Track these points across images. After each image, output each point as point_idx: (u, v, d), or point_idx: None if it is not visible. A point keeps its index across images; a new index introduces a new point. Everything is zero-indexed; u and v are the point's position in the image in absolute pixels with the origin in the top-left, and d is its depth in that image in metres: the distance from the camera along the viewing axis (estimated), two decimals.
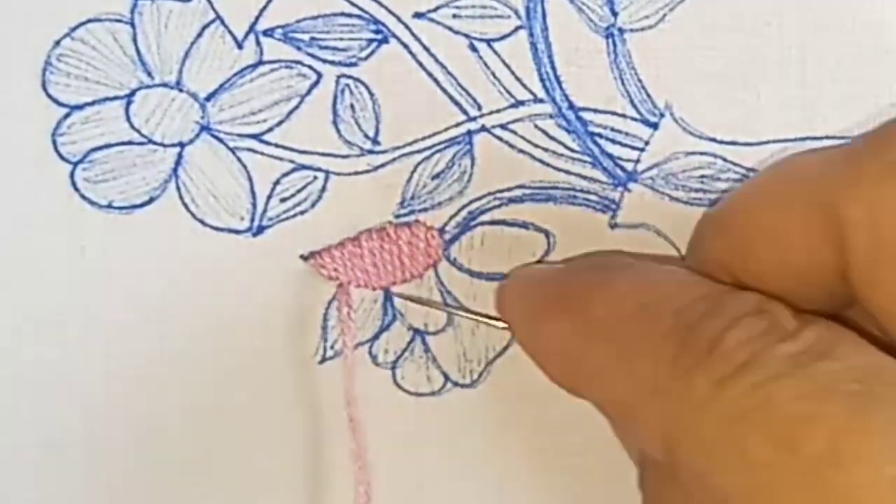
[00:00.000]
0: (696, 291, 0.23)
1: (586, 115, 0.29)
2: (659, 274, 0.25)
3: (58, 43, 0.28)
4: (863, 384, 0.20)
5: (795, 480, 0.19)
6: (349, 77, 0.29)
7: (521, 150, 0.29)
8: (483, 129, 0.29)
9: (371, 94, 0.29)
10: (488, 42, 0.29)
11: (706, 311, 0.22)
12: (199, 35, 0.28)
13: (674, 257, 0.29)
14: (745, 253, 0.24)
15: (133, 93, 0.29)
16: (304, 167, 0.29)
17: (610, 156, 0.29)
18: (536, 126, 0.29)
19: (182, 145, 0.29)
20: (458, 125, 0.29)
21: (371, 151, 0.29)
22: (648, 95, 0.29)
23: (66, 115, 0.28)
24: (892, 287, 0.21)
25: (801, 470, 0.19)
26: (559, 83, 0.29)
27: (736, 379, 0.20)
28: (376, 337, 0.30)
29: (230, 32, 0.28)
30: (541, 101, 0.29)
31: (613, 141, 0.29)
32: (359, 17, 0.29)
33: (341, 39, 0.29)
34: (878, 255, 0.21)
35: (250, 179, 0.29)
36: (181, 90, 0.29)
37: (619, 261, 0.28)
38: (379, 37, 0.29)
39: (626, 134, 0.29)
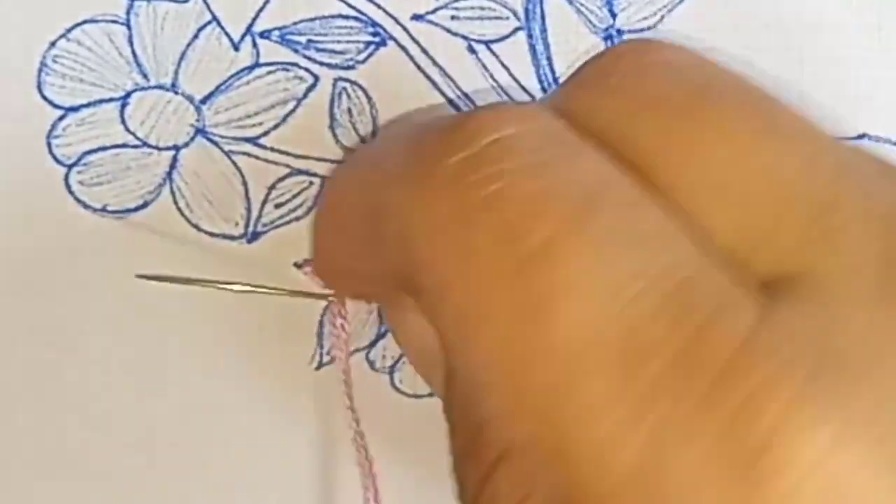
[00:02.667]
0: None
1: None
2: None
3: (53, 44, 0.28)
4: (599, 183, 0.20)
5: (510, 271, 0.19)
6: (346, 80, 0.29)
7: None
8: None
9: (368, 98, 0.29)
10: (487, 44, 0.29)
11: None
12: (195, 37, 0.28)
13: None
14: None
15: (128, 95, 0.28)
16: (299, 172, 0.29)
17: None
18: None
19: (177, 148, 0.29)
20: None
21: None
22: None
23: (61, 117, 0.28)
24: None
25: (517, 261, 0.19)
26: (558, 84, 0.29)
27: (476, 161, 0.20)
28: (373, 344, 0.29)
29: (226, 34, 0.28)
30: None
31: None
32: (356, 19, 0.28)
33: (339, 42, 0.29)
34: None
35: (245, 184, 0.29)
36: (177, 92, 0.28)
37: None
38: (377, 39, 0.29)
39: None
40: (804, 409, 0.17)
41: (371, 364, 0.29)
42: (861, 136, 0.29)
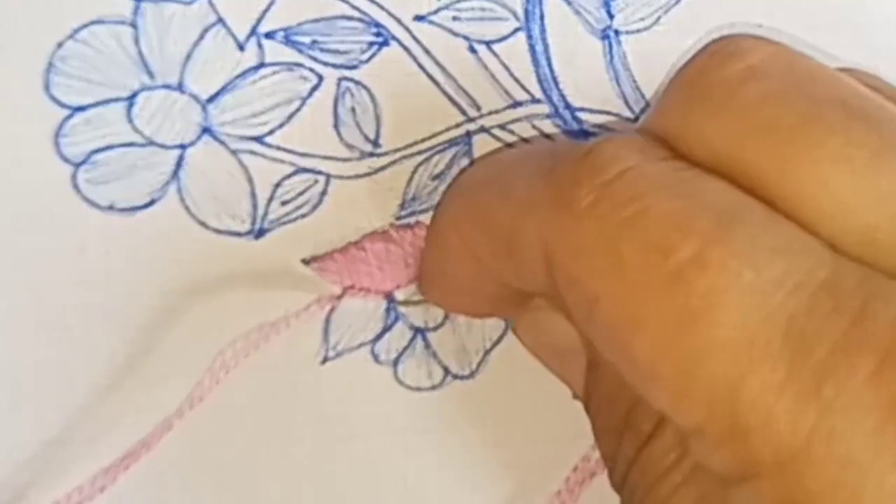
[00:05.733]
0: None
1: (582, 115, 0.30)
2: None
3: (60, 45, 0.28)
4: (731, 203, 0.21)
5: (663, 281, 0.20)
6: (350, 80, 0.29)
7: None
8: (482, 129, 0.29)
9: (372, 97, 0.29)
10: (487, 44, 0.29)
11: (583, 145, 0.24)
12: (201, 37, 0.29)
13: None
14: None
15: (135, 94, 0.29)
16: (304, 170, 0.29)
17: None
18: (534, 126, 0.30)
19: (183, 147, 0.29)
20: (457, 126, 0.29)
21: (372, 154, 0.29)
22: (643, 96, 0.30)
23: (69, 117, 0.29)
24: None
25: (669, 272, 0.20)
26: (556, 84, 0.29)
27: (613, 187, 0.22)
28: (379, 337, 0.30)
29: (232, 35, 0.29)
30: (538, 101, 0.29)
31: None
32: (360, 20, 0.29)
33: (342, 42, 0.29)
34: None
35: (251, 182, 0.29)
36: (183, 92, 0.29)
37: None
38: (380, 39, 0.29)
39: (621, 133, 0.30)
40: None
41: (375, 357, 0.30)
42: None
